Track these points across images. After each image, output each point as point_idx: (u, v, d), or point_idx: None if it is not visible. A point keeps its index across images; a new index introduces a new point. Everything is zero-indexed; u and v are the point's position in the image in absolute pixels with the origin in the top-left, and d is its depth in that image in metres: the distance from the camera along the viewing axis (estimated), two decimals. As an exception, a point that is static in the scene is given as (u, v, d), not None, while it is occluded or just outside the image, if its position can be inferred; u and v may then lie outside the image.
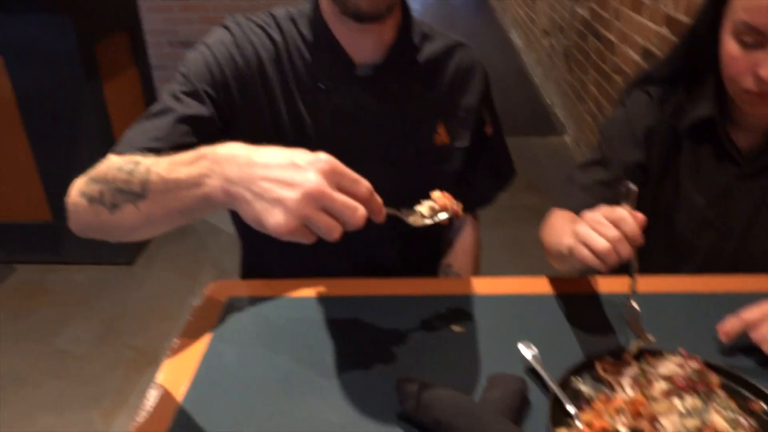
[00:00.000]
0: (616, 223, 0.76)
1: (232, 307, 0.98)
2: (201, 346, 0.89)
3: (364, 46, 0.98)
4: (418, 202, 0.80)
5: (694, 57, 1.02)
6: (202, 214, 0.70)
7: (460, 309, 0.95)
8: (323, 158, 0.61)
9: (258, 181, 0.61)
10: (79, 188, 0.79)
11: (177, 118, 0.89)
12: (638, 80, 1.11)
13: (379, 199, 0.65)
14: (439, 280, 1.16)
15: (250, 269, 1.19)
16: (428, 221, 0.79)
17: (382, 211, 0.66)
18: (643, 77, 1.10)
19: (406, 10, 1.02)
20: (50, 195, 2.51)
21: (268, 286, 1.03)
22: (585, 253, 0.77)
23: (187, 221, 0.72)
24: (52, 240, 2.59)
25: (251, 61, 0.97)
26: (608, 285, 1.00)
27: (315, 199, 0.59)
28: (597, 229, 0.77)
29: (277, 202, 0.59)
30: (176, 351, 0.89)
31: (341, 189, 0.61)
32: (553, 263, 1.01)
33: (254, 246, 1.15)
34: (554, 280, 1.02)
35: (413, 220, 0.79)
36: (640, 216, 0.78)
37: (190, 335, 0.92)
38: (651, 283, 1.02)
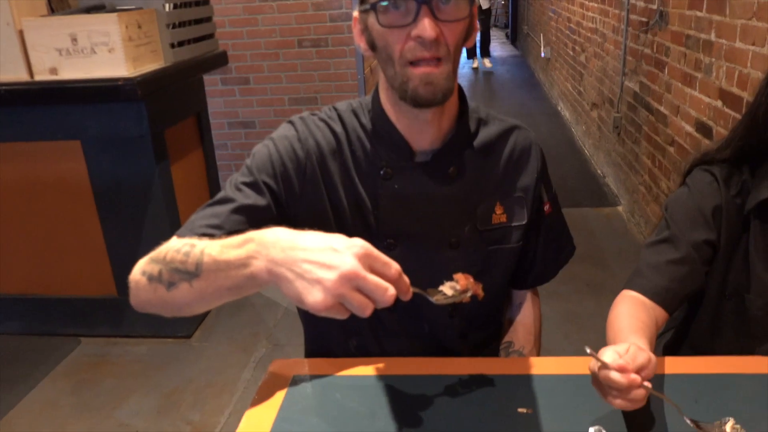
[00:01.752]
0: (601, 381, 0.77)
1: (296, 385, 0.99)
2: (267, 424, 0.90)
3: (422, 134, 1.02)
4: (442, 283, 0.86)
5: (755, 139, 1.02)
6: (249, 292, 0.78)
7: (527, 390, 0.94)
8: (358, 243, 0.69)
9: (299, 263, 0.69)
10: (140, 267, 0.88)
11: (235, 208, 0.96)
12: (698, 161, 1.11)
13: (406, 279, 0.73)
14: (503, 359, 1.15)
15: (314, 348, 1.21)
16: (450, 300, 0.84)
17: (410, 290, 0.73)
18: (703, 158, 1.10)
19: (462, 100, 1.06)
20: (116, 271, 2.62)
21: (332, 364, 1.04)
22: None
23: (235, 298, 0.80)
24: (115, 314, 2.69)
25: (312, 153, 1.03)
26: (680, 366, 0.97)
27: (350, 280, 0.67)
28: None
29: (316, 282, 0.67)
30: (243, 429, 0.90)
31: (373, 271, 0.69)
32: None
33: (316, 326, 1.18)
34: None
35: (437, 299, 0.84)
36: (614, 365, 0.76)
37: (257, 413, 0.93)
38: (725, 364, 0.99)
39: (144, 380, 2.44)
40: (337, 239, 0.70)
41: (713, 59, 2.47)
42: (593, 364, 0.78)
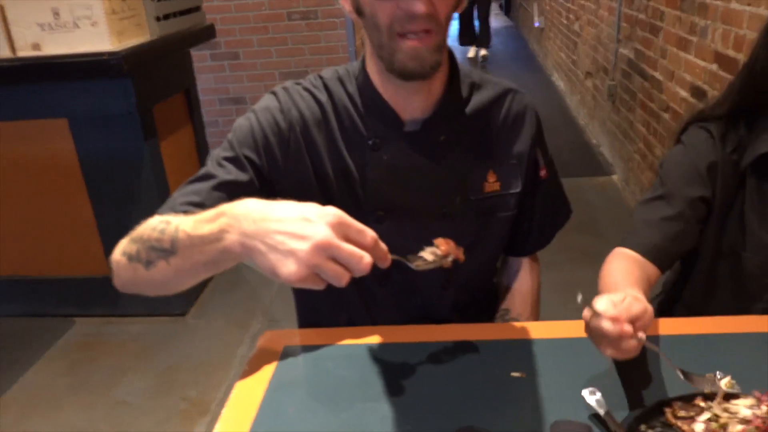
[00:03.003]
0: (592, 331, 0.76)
1: (287, 356, 0.98)
2: (258, 395, 0.89)
3: (411, 103, 0.99)
4: (422, 248, 0.84)
5: (752, 94, 1.00)
6: (225, 266, 0.77)
7: (520, 354, 0.93)
8: (331, 212, 0.68)
9: (271, 235, 0.67)
10: (121, 248, 0.88)
11: (216, 184, 0.95)
12: (694, 118, 1.09)
13: (383, 246, 0.71)
14: (496, 325, 1.14)
15: (306, 322, 1.19)
16: (431, 266, 0.83)
17: (387, 257, 0.72)
18: (700, 115, 1.08)
19: (453, 64, 1.02)
20: (107, 250, 2.57)
21: (323, 334, 1.03)
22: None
23: (213, 273, 0.79)
24: (109, 294, 2.64)
25: (296, 124, 1.00)
26: (675, 326, 0.96)
27: (324, 249, 0.65)
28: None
29: (290, 253, 0.66)
30: (233, 401, 0.89)
31: (348, 239, 0.67)
32: None
33: (307, 300, 1.16)
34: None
35: (417, 265, 0.82)
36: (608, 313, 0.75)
37: (247, 385, 0.92)
38: (720, 324, 0.98)
39: (140, 359, 2.44)
40: (310, 208, 0.68)
41: (709, 22, 2.43)
42: (587, 312, 0.77)
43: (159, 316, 2.68)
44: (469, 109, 1.04)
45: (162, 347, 2.50)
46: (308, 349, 1.00)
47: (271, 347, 1.01)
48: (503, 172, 1.06)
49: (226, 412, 0.87)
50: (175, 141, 2.75)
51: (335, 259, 0.66)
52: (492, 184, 1.06)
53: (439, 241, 0.84)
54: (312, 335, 1.06)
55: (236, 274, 3.00)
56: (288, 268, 0.65)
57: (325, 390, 0.90)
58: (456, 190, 1.03)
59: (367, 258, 0.66)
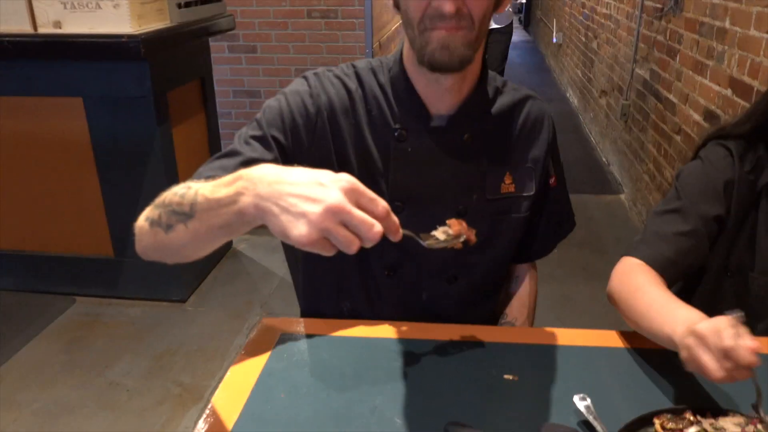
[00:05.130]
0: (726, 353, 0.73)
1: (283, 343, 0.99)
2: (251, 379, 0.90)
3: (441, 99, 1.01)
4: (435, 228, 0.84)
5: None
6: (240, 230, 0.75)
7: (514, 357, 0.94)
8: (345, 178, 0.67)
9: (285, 197, 0.67)
10: (144, 214, 0.88)
11: (241, 161, 0.95)
12: (714, 135, 1.09)
13: (395, 219, 0.70)
14: (492, 327, 1.14)
15: (307, 308, 1.20)
16: (442, 245, 0.83)
17: (399, 231, 0.71)
18: (720, 132, 1.08)
19: (484, 65, 1.04)
20: (113, 231, 2.61)
21: (320, 324, 1.04)
22: (698, 371, 0.76)
23: (228, 237, 0.78)
24: (111, 275, 2.69)
25: (323, 110, 1.01)
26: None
27: (335, 214, 0.64)
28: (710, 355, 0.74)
29: (301, 215, 0.65)
30: (226, 383, 0.90)
31: (360, 207, 0.66)
32: (631, 325, 0.97)
33: (311, 285, 1.17)
34: (613, 333, 0.99)
35: (429, 243, 0.82)
36: (754, 344, 0.74)
37: (241, 369, 0.93)
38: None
39: (136, 342, 2.45)
40: (324, 174, 0.68)
41: (726, 47, 2.43)
42: (714, 335, 0.75)
43: (159, 301, 2.69)
44: (492, 110, 1.06)
45: (159, 332, 2.51)
46: (305, 337, 1.00)
47: (268, 333, 1.02)
48: (519, 174, 1.08)
49: (218, 394, 0.88)
50: (188, 128, 2.76)
51: (346, 225, 0.65)
52: (508, 185, 1.08)
53: (451, 221, 0.84)
54: (310, 324, 1.06)
55: (238, 266, 3.02)
56: (299, 230, 0.64)
57: (318, 378, 0.90)
58: (474, 188, 1.05)
59: (377, 227, 0.65)
